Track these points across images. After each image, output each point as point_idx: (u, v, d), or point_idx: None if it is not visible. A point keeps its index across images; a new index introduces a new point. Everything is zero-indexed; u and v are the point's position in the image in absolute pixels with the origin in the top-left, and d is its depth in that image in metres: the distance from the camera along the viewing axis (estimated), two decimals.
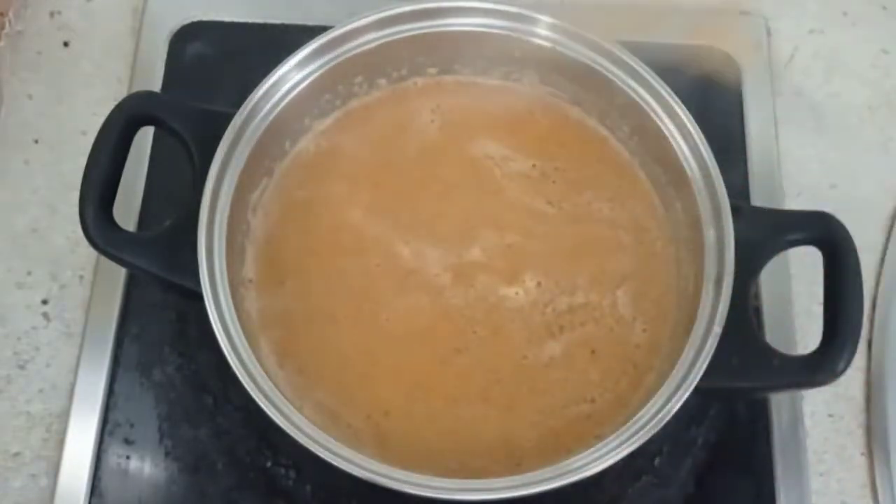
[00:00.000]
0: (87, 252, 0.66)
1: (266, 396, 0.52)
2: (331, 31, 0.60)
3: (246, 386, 0.52)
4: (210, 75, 0.71)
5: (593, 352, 0.58)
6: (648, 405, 0.53)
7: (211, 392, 0.62)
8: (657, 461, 0.62)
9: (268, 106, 0.59)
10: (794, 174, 0.71)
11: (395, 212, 0.61)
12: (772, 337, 0.62)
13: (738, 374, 0.55)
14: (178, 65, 0.72)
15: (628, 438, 0.52)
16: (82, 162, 0.56)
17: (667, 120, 0.60)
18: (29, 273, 0.67)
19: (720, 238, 0.56)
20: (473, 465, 0.55)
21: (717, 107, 0.71)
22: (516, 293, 0.59)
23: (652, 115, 0.60)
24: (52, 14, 0.74)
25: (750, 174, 0.69)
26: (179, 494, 0.61)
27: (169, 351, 0.63)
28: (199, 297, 0.54)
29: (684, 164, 0.59)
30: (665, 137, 0.60)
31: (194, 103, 0.59)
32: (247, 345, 0.53)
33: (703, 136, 0.58)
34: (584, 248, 0.61)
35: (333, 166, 0.63)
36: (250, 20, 0.73)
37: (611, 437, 0.52)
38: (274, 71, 0.59)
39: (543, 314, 0.59)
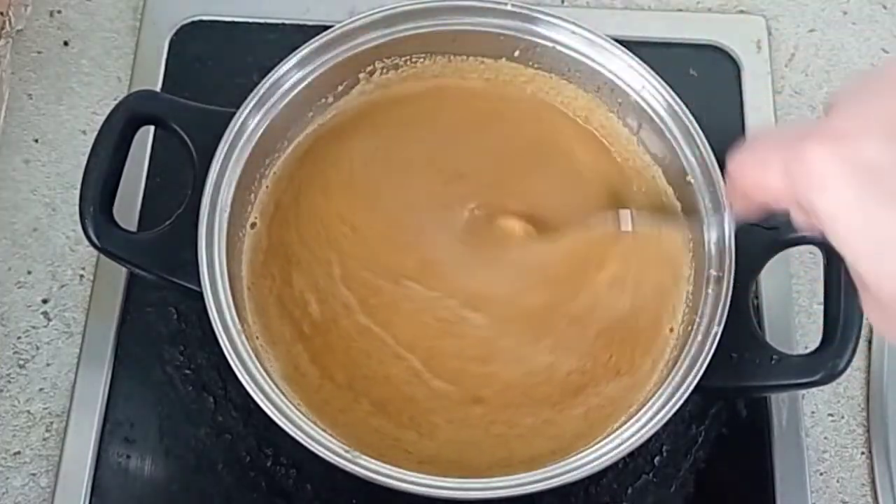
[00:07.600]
0: (87, 251, 0.66)
1: (266, 396, 0.52)
2: (331, 30, 0.60)
3: (246, 386, 0.52)
4: (210, 75, 0.71)
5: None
6: (648, 405, 0.53)
7: (211, 392, 0.62)
8: (657, 461, 0.62)
9: (268, 106, 0.59)
10: None
11: (397, 212, 0.61)
12: (772, 336, 0.62)
13: (739, 374, 0.55)
14: (178, 64, 0.72)
15: (628, 438, 0.52)
16: (82, 161, 0.56)
17: (667, 119, 0.60)
18: (29, 272, 0.67)
19: (720, 238, 0.56)
20: (473, 465, 0.55)
21: (717, 107, 0.71)
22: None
23: (652, 114, 0.60)
24: (51, 13, 0.74)
25: None
26: (179, 494, 0.61)
27: (169, 351, 0.64)
28: (199, 297, 0.54)
29: (684, 164, 0.59)
30: (665, 137, 0.60)
31: (194, 103, 0.59)
32: (247, 345, 0.54)
33: (703, 136, 0.58)
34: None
35: (334, 166, 0.63)
36: (250, 19, 0.73)
37: (611, 437, 0.52)
38: (274, 70, 0.59)
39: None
